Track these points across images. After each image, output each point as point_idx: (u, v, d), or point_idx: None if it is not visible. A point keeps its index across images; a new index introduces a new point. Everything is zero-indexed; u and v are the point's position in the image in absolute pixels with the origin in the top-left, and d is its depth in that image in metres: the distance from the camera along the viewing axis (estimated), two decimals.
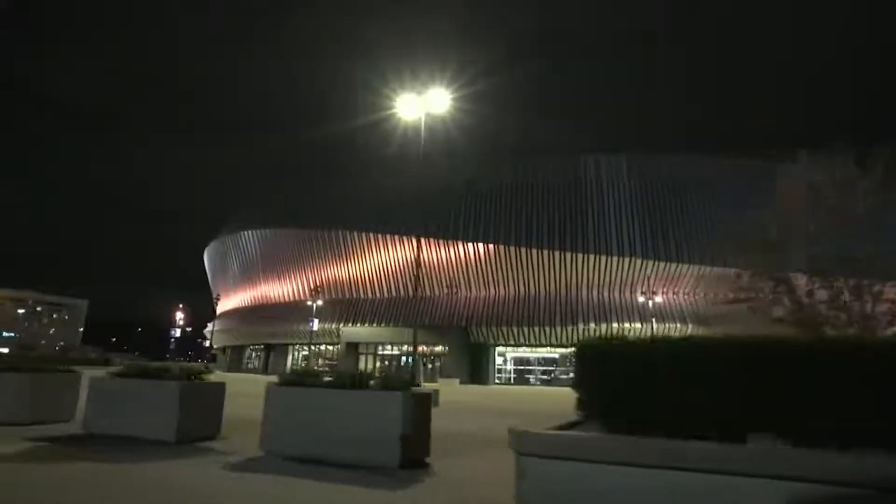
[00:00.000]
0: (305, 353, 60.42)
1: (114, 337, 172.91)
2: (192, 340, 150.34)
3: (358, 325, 50.56)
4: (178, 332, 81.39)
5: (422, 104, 18.31)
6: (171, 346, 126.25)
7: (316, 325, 47.98)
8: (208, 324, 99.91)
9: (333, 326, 50.99)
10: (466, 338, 46.04)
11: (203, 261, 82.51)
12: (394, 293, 50.91)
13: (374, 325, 49.75)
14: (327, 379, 6.75)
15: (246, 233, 62.69)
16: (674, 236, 43.61)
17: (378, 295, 51.61)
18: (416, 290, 18.64)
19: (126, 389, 7.61)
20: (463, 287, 47.32)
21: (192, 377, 7.54)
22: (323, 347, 56.41)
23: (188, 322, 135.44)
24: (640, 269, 43.63)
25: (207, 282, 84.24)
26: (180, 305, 74.70)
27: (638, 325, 43.07)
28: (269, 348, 60.57)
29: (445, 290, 45.86)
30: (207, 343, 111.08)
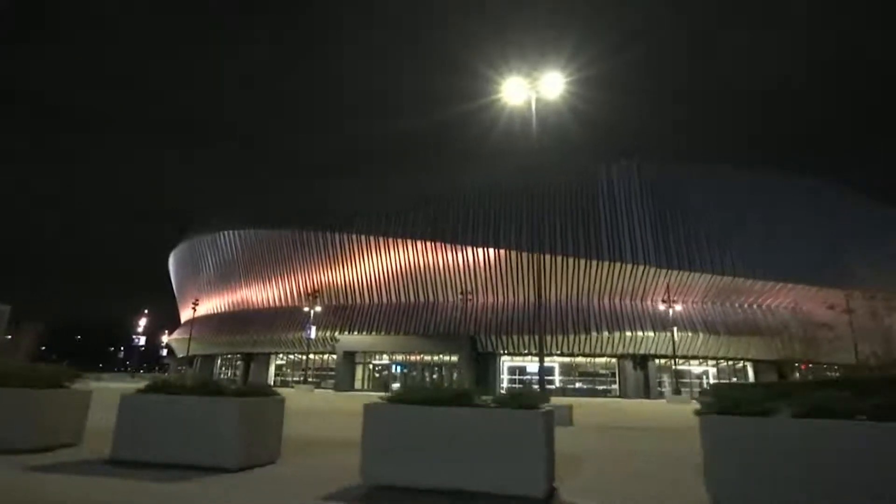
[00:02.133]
0: (281, 362, 56.73)
1: (43, 345, 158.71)
2: (135, 349, 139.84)
3: (355, 332, 47.60)
4: (142, 340, 74.66)
5: (531, 88, 16.54)
6: (120, 356, 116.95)
7: (314, 332, 44.71)
8: (166, 331, 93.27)
9: (328, 334, 47.81)
10: (474, 346, 44.17)
11: (160, 265, 76.79)
12: (394, 299, 48.40)
13: (374, 333, 46.98)
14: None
15: (226, 233, 58.29)
16: (686, 245, 43.54)
17: (377, 301, 48.90)
18: (539, 298, 16.47)
19: (452, 422, 5.36)
20: (468, 294, 45.44)
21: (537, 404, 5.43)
22: (312, 356, 52.94)
23: (136, 331, 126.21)
24: (654, 277, 43.27)
25: (156, 289, 78.44)
26: (146, 311, 68.45)
27: (651, 334, 42.67)
28: (248, 358, 56.30)
29: (459, 297, 43.84)
30: (165, 352, 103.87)
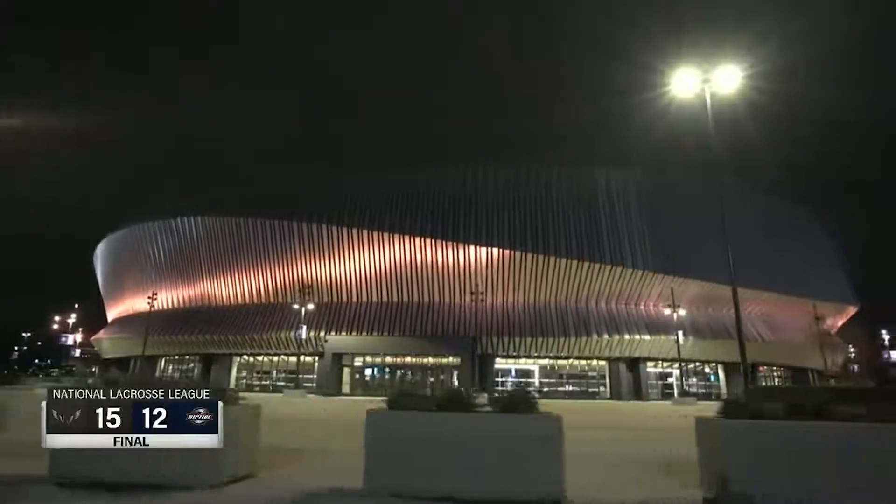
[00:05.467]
0: (241, 363, 51.89)
1: None
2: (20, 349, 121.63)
3: (343, 333, 44.45)
4: (69, 339, 64.80)
5: (704, 81, 15.84)
6: (14, 357, 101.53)
7: (305, 332, 41.06)
8: (80, 329, 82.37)
9: (312, 334, 44.15)
10: (474, 348, 42.91)
11: (69, 262, 67.67)
12: (385, 298, 45.81)
13: (365, 333, 44.14)
14: None
15: (181, 220, 52.11)
16: (680, 252, 45.24)
17: (366, 299, 46.03)
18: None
19: None
20: (468, 295, 44.17)
21: None
22: (286, 358, 48.81)
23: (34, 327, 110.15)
24: (649, 282, 44.60)
25: (56, 287, 69.33)
26: (75, 305, 58.95)
27: (647, 337, 43.91)
28: (208, 359, 50.66)
29: (471, 296, 42.27)
30: (78, 353, 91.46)
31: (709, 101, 15.98)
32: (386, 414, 5.50)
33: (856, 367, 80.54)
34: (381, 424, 5.48)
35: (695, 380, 50.24)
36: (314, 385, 45.04)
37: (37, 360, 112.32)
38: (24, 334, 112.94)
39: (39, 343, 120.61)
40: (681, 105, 17.33)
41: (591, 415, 21.62)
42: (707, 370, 51.78)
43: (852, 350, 74.51)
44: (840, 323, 63.99)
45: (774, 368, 55.90)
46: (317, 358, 45.70)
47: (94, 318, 72.19)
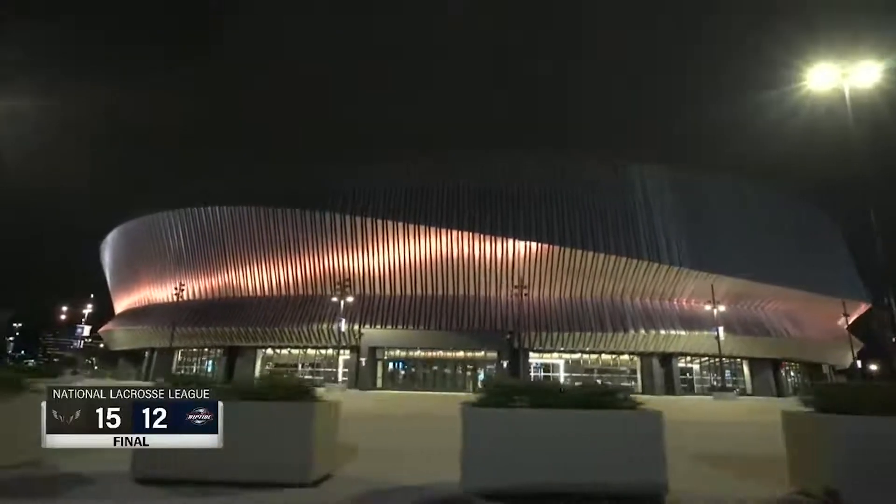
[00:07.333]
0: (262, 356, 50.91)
1: None
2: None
3: (378, 326, 43.83)
4: (86, 331, 62.90)
5: (843, 76, 15.67)
6: (9, 349, 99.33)
7: (345, 324, 40.36)
8: (83, 320, 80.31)
9: (344, 327, 43.40)
10: (513, 343, 42.69)
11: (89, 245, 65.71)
12: (419, 292, 45.29)
13: (400, 327, 43.59)
14: None
15: (203, 209, 50.78)
16: (714, 249, 45.50)
17: (399, 292, 45.44)
18: None
19: None
20: (504, 289, 43.91)
21: None
22: (313, 351, 48.05)
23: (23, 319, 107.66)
24: (684, 279, 44.78)
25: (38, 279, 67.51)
26: (91, 296, 57.07)
27: (682, 333, 44.14)
28: (231, 352, 49.58)
29: (511, 290, 41.93)
30: (81, 344, 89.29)
31: (847, 95, 15.83)
32: (825, 418, 5.14)
33: (858, 363, 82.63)
34: (801, 427, 5.27)
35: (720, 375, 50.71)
36: (344, 379, 44.40)
37: (10, 352, 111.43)
38: (14, 324, 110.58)
39: (18, 334, 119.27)
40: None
41: (714, 414, 21.12)
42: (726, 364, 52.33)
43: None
44: (852, 320, 65.35)
45: (792, 364, 56.79)
46: (347, 351, 44.99)
47: (85, 311, 69.93)
